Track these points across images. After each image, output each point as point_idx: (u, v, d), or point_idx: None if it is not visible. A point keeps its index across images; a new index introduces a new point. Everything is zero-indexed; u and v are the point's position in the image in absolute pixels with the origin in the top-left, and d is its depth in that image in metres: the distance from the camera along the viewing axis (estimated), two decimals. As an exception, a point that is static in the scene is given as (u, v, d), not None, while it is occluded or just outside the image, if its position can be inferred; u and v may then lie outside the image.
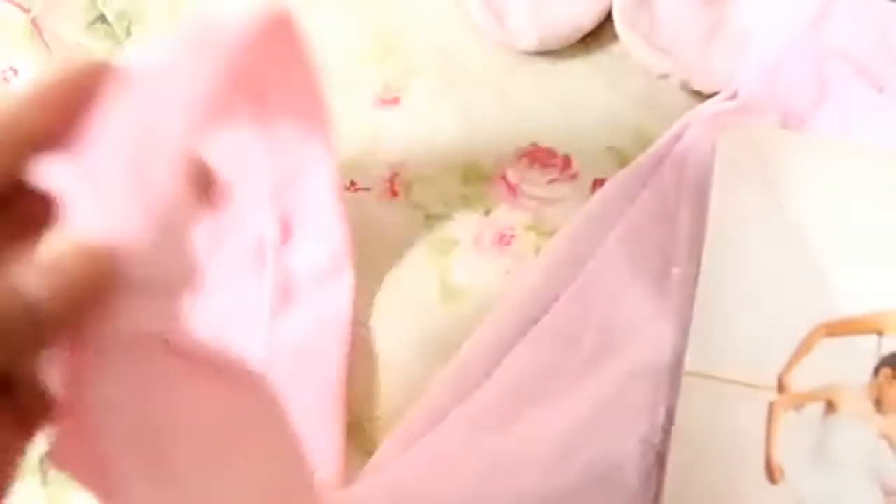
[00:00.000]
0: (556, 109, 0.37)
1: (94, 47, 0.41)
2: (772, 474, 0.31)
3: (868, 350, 0.32)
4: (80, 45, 0.41)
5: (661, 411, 0.33)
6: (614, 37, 0.38)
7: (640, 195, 0.35)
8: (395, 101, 0.38)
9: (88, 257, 0.17)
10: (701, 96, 0.37)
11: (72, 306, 0.17)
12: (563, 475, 0.32)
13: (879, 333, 0.32)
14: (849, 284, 0.33)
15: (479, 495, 0.32)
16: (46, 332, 0.17)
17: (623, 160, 0.36)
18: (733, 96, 0.36)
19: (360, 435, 0.34)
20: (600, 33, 0.38)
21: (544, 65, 0.38)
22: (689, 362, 0.33)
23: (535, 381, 0.34)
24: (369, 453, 0.34)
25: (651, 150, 0.36)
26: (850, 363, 0.32)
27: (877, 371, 0.32)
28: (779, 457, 0.31)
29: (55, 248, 0.17)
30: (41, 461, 0.36)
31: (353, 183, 0.37)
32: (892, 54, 0.35)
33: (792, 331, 0.32)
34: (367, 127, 0.38)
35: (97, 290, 0.17)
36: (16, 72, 0.42)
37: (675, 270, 0.34)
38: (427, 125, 0.38)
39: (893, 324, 0.32)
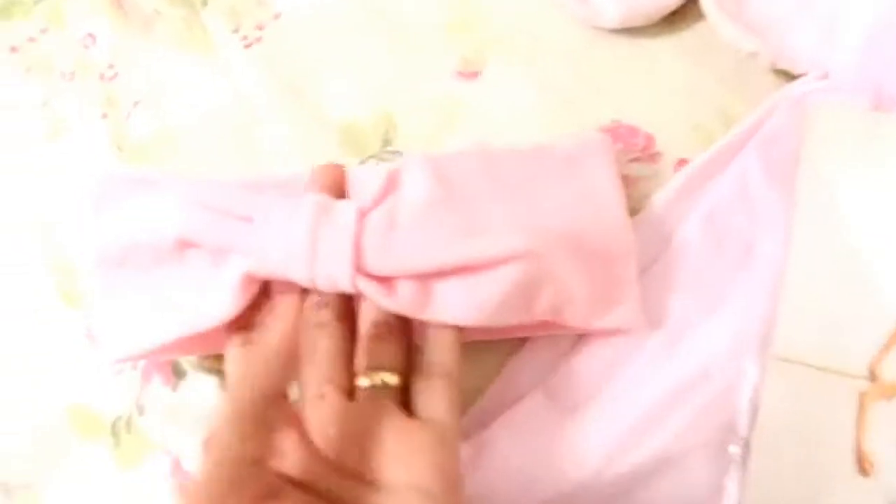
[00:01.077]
0: (638, 87, 0.36)
1: (172, 15, 0.41)
2: (862, 466, 0.30)
3: (964, 341, 0.31)
4: (157, 12, 0.41)
5: (745, 396, 0.32)
6: (697, 15, 0.37)
7: (724, 175, 0.35)
8: (473, 74, 0.38)
9: None
10: (788, 76, 0.35)
11: None
12: (632, 457, 0.31)
13: (976, 324, 0.31)
14: (946, 271, 0.31)
15: (548, 471, 0.32)
16: None
17: (707, 140, 0.35)
18: (823, 77, 0.34)
19: None
20: (682, 10, 0.37)
21: (625, 41, 0.37)
22: (777, 347, 0.31)
23: (614, 359, 0.33)
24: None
25: (736, 130, 0.35)
26: (944, 354, 0.31)
27: (972, 363, 0.30)
28: (869, 448, 0.30)
29: None
30: (113, 424, 0.36)
31: None
32: None
33: (884, 318, 0.31)
34: (444, 99, 0.38)
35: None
36: (94, 38, 0.42)
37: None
38: (506, 100, 0.37)
39: None
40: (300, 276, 0.28)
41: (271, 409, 0.26)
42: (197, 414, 0.36)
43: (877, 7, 0.35)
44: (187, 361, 0.36)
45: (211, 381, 0.36)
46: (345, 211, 0.29)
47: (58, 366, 0.37)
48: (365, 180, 0.32)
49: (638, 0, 0.36)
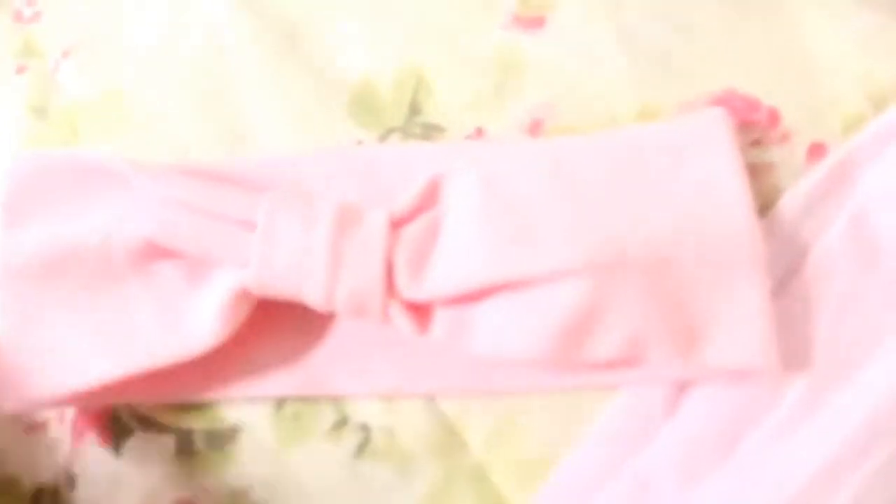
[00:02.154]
0: (756, 47, 0.29)
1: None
2: None
3: None
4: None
5: None
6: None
7: (873, 171, 0.27)
8: (537, 21, 0.30)
9: None
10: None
11: None
12: None
13: None
14: None
15: None
16: None
17: (847, 118, 0.28)
18: None
19: (485, 487, 0.26)
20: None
21: (739, -12, 0.29)
22: None
23: (733, 420, 0.25)
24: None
25: (889, 112, 0.27)
26: None
27: None
28: None
29: None
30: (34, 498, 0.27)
31: (478, 131, 0.28)
32: None
33: None
34: (496, 53, 0.30)
35: None
36: None
37: None
38: (581, 57, 0.29)
39: None
40: (315, 298, 0.24)
41: None
42: (148, 486, 0.26)
43: None
44: (134, 416, 0.26)
45: (167, 441, 0.27)
46: (374, 219, 0.25)
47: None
48: (394, 169, 0.27)
49: (759, -71, 0.28)
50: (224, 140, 0.29)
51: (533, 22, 0.29)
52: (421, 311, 0.25)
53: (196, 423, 0.27)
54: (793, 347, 0.25)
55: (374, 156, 0.28)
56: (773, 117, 0.27)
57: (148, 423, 0.26)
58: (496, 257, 0.24)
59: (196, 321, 0.25)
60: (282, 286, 0.24)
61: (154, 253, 0.26)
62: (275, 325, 0.27)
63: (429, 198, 0.26)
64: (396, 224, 0.25)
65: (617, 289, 0.24)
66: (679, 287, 0.24)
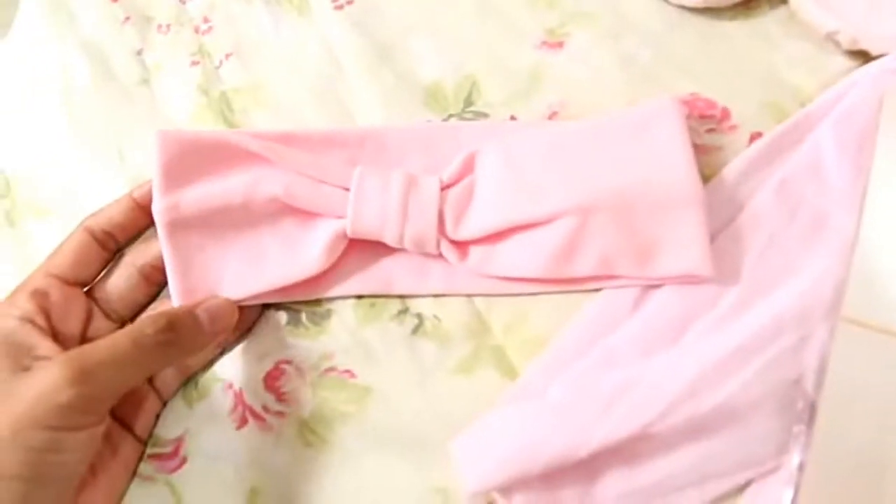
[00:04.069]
0: (716, 65, 0.37)
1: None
2: (933, 431, 0.30)
3: None
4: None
5: (813, 355, 0.32)
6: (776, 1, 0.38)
7: (798, 150, 0.35)
8: (557, 44, 0.39)
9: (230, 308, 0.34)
10: (865, 60, 0.36)
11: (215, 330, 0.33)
12: (697, 406, 0.31)
13: None
14: None
15: (603, 424, 0.31)
16: (200, 342, 0.32)
17: (782, 117, 0.36)
18: (903, 58, 0.35)
19: (502, 359, 0.34)
20: (763, -3, 0.39)
21: (706, 24, 0.38)
22: (849, 308, 0.31)
23: (681, 317, 0.33)
24: (511, 377, 0.34)
25: (811, 107, 0.35)
26: None
27: None
28: (940, 413, 0.30)
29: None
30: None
31: (512, 117, 0.38)
32: None
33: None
34: (528, 66, 0.39)
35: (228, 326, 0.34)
36: (192, -7, 0.44)
37: None
38: (588, 69, 0.38)
39: None
40: (390, 239, 0.34)
41: None
42: (268, 347, 0.36)
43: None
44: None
45: (281, 316, 0.36)
46: (430, 184, 0.34)
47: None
48: (447, 139, 0.36)
49: (721, -18, 0.38)
50: (333, 119, 0.39)
51: (555, 45, 0.39)
52: (461, 246, 0.34)
53: (303, 306, 0.36)
54: (728, 271, 0.33)
55: (434, 130, 0.36)
56: (725, 114, 0.36)
57: (269, 304, 0.36)
58: (511, 209, 0.33)
59: (308, 255, 0.34)
60: (368, 231, 0.34)
61: (280, 207, 0.34)
62: (359, 247, 0.35)
63: (467, 168, 0.35)
64: (444, 187, 0.34)
65: (593, 225, 0.32)
66: (640, 223, 0.32)
